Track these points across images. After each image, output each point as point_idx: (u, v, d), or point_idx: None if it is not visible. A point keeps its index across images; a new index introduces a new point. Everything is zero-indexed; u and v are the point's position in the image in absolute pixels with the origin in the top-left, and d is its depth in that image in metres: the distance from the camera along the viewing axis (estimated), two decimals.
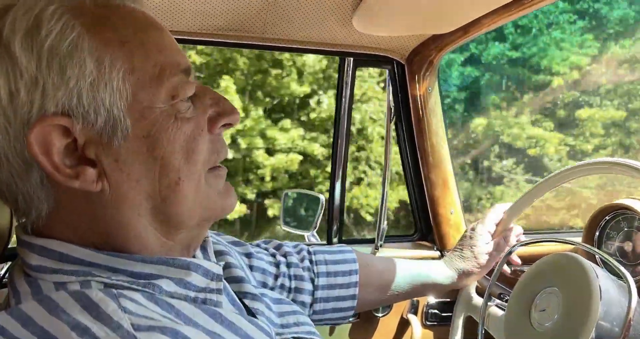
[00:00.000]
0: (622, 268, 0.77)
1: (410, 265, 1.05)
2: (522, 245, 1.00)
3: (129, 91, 0.52)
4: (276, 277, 0.86)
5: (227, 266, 0.73)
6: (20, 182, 0.52)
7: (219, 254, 0.75)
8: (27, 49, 0.49)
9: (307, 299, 0.89)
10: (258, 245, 0.91)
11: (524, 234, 1.13)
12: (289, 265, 0.89)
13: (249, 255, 0.84)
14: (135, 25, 0.54)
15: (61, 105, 0.50)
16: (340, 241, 1.42)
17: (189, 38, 1.12)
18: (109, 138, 0.52)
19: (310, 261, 0.92)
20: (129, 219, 0.54)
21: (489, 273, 1.09)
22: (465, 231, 1.10)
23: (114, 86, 0.51)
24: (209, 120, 0.58)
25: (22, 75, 0.49)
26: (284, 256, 0.90)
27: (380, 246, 1.32)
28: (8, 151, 0.51)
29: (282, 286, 0.87)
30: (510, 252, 1.02)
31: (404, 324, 1.34)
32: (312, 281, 0.90)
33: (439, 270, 1.05)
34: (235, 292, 0.69)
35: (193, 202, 0.56)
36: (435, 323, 1.34)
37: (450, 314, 1.16)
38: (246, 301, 0.69)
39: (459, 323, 1.12)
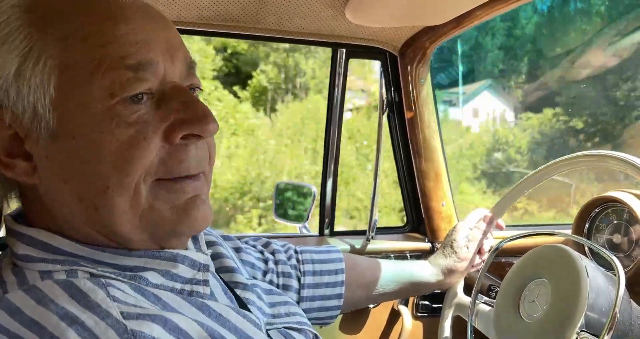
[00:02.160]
0: (612, 256, 0.77)
1: (396, 264, 1.07)
2: (511, 240, 0.99)
3: (55, 88, 0.50)
4: (265, 273, 0.87)
5: (218, 256, 0.73)
6: None
7: (210, 244, 0.75)
8: None
9: (293, 297, 0.89)
10: (246, 242, 0.91)
11: (513, 226, 1.13)
12: (276, 262, 0.89)
13: (238, 249, 0.84)
14: (87, 18, 0.51)
15: None
16: (331, 234, 1.42)
17: (182, 28, 1.11)
18: (37, 134, 0.51)
19: (297, 260, 0.92)
20: (65, 216, 0.54)
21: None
22: (448, 232, 1.11)
23: (37, 82, 0.49)
24: (170, 127, 0.52)
25: None
26: (272, 253, 0.91)
27: (372, 237, 1.33)
28: None
29: (270, 283, 0.86)
30: (497, 248, 1.02)
31: (394, 316, 1.35)
32: (299, 279, 0.90)
33: (423, 268, 1.06)
34: (226, 282, 0.69)
35: (131, 215, 0.52)
36: (426, 314, 1.35)
37: (440, 305, 1.16)
38: (237, 291, 0.69)
39: (447, 322, 1.12)
